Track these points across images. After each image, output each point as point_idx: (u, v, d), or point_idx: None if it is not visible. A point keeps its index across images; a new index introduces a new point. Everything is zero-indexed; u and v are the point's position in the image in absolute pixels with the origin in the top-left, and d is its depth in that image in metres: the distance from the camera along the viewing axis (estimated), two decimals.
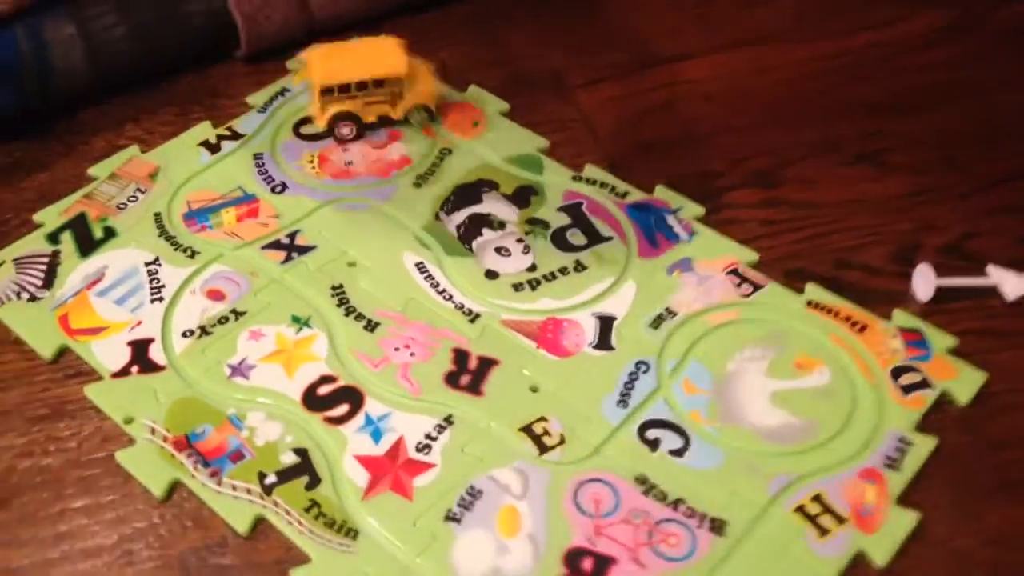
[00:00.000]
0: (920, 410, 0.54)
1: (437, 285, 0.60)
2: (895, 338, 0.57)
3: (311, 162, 0.68)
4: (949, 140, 0.70)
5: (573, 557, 0.47)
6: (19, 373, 0.55)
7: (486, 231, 0.64)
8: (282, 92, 0.74)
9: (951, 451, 0.52)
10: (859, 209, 0.66)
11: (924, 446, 0.52)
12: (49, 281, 0.60)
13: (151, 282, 0.60)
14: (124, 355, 0.56)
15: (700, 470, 0.51)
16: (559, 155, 0.69)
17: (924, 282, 0.60)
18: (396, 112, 0.68)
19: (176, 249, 0.62)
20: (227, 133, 0.70)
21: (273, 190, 0.66)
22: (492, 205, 0.65)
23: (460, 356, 0.56)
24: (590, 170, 0.68)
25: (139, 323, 0.57)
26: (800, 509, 0.49)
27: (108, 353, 0.56)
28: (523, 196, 0.66)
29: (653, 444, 0.52)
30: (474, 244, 0.63)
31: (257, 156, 0.68)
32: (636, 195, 0.66)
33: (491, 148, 0.69)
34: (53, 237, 0.62)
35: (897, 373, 0.55)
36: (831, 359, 0.56)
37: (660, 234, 0.63)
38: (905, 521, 0.49)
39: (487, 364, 0.56)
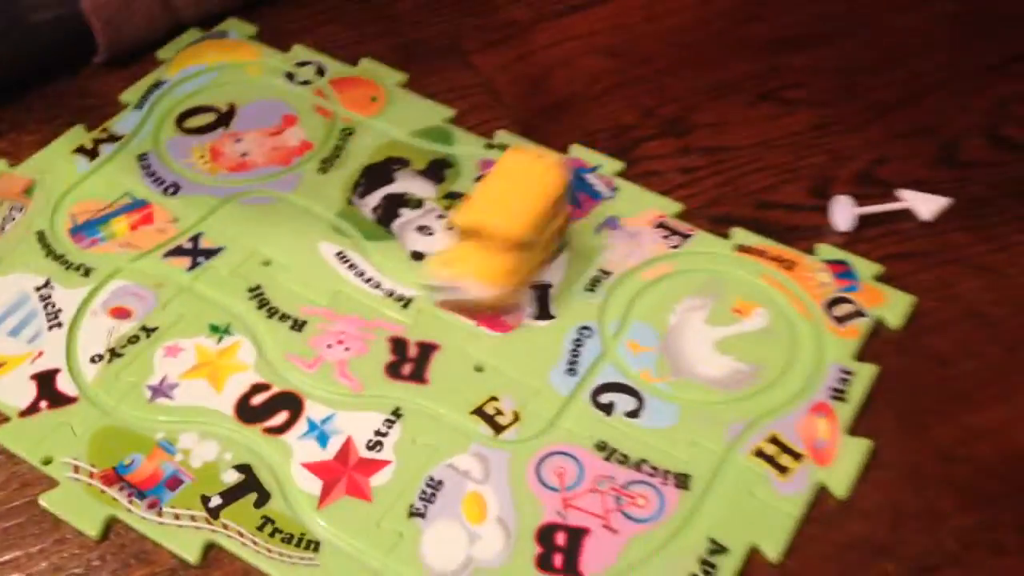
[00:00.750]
0: (857, 339, 0.54)
1: (362, 274, 0.57)
2: (823, 272, 0.58)
3: (202, 157, 0.64)
4: (846, 70, 0.71)
5: (546, 534, 0.46)
6: None
7: (404, 211, 0.61)
8: (157, 85, 0.69)
9: (892, 375, 0.53)
10: (769, 148, 0.66)
11: (866, 374, 0.52)
12: None
13: (45, 307, 0.55)
14: (29, 391, 0.51)
15: (658, 428, 0.50)
16: (467, 123, 0.67)
17: (842, 213, 0.61)
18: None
19: (68, 268, 0.57)
20: (103, 136, 0.65)
21: (166, 192, 0.62)
22: (406, 183, 0.63)
23: (398, 344, 0.54)
24: (502, 136, 0.66)
25: (40, 354, 0.53)
26: (759, 452, 0.49)
27: (10, 391, 0.51)
28: (437, 170, 0.64)
29: (607, 409, 0.51)
30: (394, 226, 0.60)
31: (142, 157, 0.64)
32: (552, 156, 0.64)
33: (395, 124, 0.66)
34: None
35: (830, 306, 0.56)
36: (766, 300, 0.56)
37: (582, 194, 0.62)
38: (858, 449, 0.49)
39: (428, 349, 0.54)
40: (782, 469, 0.48)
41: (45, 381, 0.52)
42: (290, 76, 0.70)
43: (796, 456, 0.49)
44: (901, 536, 0.47)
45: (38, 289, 0.56)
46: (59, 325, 0.54)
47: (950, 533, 0.47)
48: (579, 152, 0.65)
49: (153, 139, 0.65)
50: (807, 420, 0.50)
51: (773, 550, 0.46)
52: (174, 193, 0.62)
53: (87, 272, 0.57)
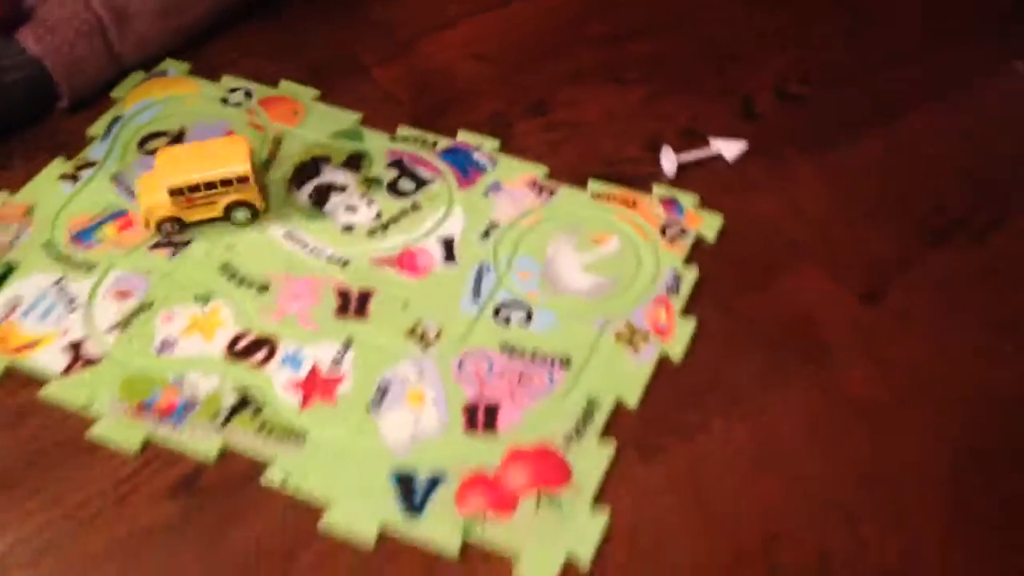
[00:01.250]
0: (684, 252, 0.73)
1: (307, 246, 0.74)
2: (658, 206, 0.77)
3: None
4: (669, 54, 0.90)
5: (469, 411, 0.64)
6: None
7: (333, 195, 0.78)
8: (116, 119, 0.84)
9: (708, 273, 0.72)
10: (613, 118, 0.85)
11: (691, 273, 0.72)
12: None
13: (63, 297, 0.70)
14: (65, 357, 0.67)
15: (544, 329, 0.68)
16: (373, 124, 0.84)
17: (668, 161, 0.80)
18: (216, 210, 0.73)
19: (75, 267, 0.72)
20: (81, 163, 0.80)
21: None
22: (330, 175, 0.80)
23: (343, 294, 0.71)
24: (402, 130, 0.83)
25: (66, 331, 0.68)
26: (618, 336, 0.68)
27: (50, 360, 0.67)
28: (354, 162, 0.81)
29: (507, 321, 0.69)
30: (326, 208, 0.77)
31: (115, 176, 0.79)
32: (444, 142, 0.82)
33: (315, 130, 0.83)
34: None
35: (664, 230, 0.75)
36: (617, 231, 0.75)
37: (471, 167, 0.80)
38: (688, 326, 0.68)
39: (365, 295, 0.71)
40: (635, 346, 0.67)
41: (76, 349, 0.67)
42: (224, 100, 0.86)
43: (645, 336, 0.68)
44: (719, 380, 0.66)
45: (55, 284, 0.71)
46: (77, 308, 0.69)
47: (752, 371, 0.66)
48: (464, 136, 0.83)
49: (121, 162, 0.81)
50: (652, 309, 0.69)
51: (631, 399, 0.64)
52: None
53: (90, 268, 0.72)
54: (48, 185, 0.78)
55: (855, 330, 0.68)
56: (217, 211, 0.74)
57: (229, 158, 0.72)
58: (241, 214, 0.74)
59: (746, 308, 0.70)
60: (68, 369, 0.66)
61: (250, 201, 0.74)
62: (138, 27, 0.83)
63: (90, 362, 0.66)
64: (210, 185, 0.71)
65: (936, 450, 0.62)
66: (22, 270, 0.72)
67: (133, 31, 0.83)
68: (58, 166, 0.80)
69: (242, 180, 0.72)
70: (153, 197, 0.72)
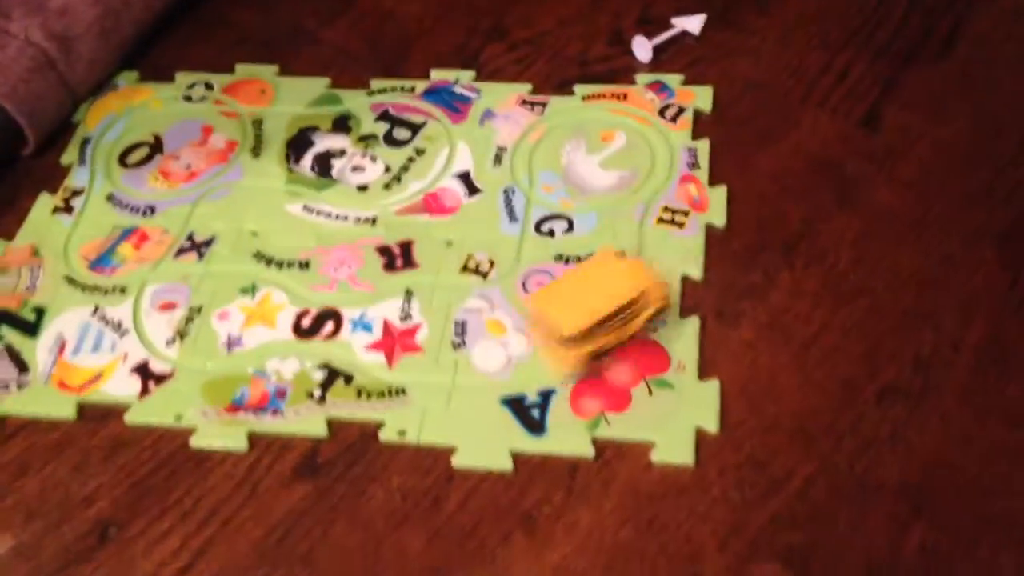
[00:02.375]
0: (688, 127, 0.76)
1: (330, 214, 0.74)
2: (647, 93, 0.79)
3: (157, 180, 0.78)
4: None
5: None
6: (61, 441, 0.64)
7: (334, 161, 0.78)
8: (86, 142, 0.82)
9: (719, 142, 0.75)
10: (570, 23, 0.86)
11: (703, 146, 0.75)
12: (23, 366, 0.67)
13: (107, 324, 0.69)
14: (135, 381, 0.66)
15: (589, 231, 0.71)
16: (343, 84, 0.84)
17: (643, 49, 0.82)
18: (634, 327, 0.62)
19: (106, 293, 0.71)
20: (68, 194, 0.78)
21: (145, 215, 0.76)
22: (324, 142, 0.79)
23: (384, 250, 0.71)
24: (376, 83, 0.83)
25: (125, 355, 0.67)
26: (660, 220, 0.70)
27: (121, 387, 0.66)
28: (342, 124, 0.80)
29: (550, 233, 0.71)
30: (333, 174, 0.77)
31: (110, 197, 0.77)
32: (421, 85, 0.82)
33: (290, 104, 0.82)
34: None
35: (662, 112, 0.77)
36: (620, 125, 0.77)
37: (457, 102, 0.80)
38: (720, 194, 0.72)
39: (406, 245, 0.71)
40: (680, 224, 0.70)
41: (143, 370, 0.66)
42: (188, 98, 0.84)
43: (684, 213, 0.70)
44: (765, 233, 0.69)
45: (92, 315, 0.70)
46: (127, 332, 0.68)
47: (794, 219, 0.70)
48: (437, 74, 0.83)
49: (110, 182, 0.78)
50: (681, 189, 0.72)
51: (696, 272, 0.67)
52: (152, 213, 0.76)
53: (123, 290, 0.71)
54: (44, 221, 0.76)
55: (869, 156, 0.73)
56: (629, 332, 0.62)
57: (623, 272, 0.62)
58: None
59: (766, 164, 0.73)
60: (144, 391, 0.65)
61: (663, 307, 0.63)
62: (83, 51, 0.80)
63: (162, 378, 0.66)
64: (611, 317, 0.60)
65: (975, 238, 0.67)
66: (53, 310, 0.70)
67: (79, 57, 0.80)
68: (46, 201, 0.77)
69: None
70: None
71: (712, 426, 0.60)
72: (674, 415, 0.60)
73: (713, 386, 0.61)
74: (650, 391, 0.61)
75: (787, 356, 0.63)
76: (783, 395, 0.61)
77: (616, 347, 0.62)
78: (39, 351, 0.68)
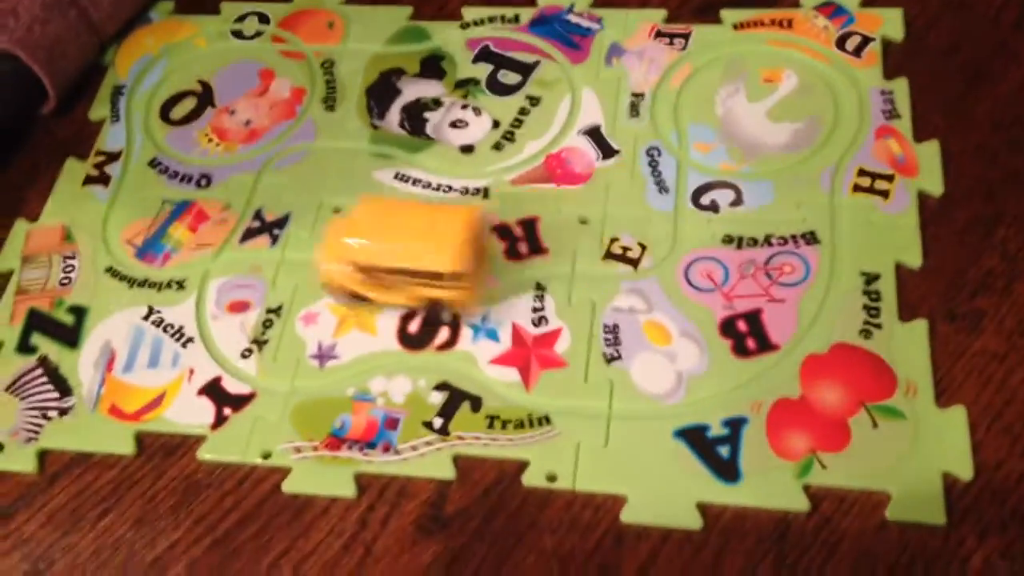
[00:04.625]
0: (877, 63, 0.60)
1: (429, 184, 0.59)
2: (818, 18, 0.63)
3: (211, 140, 0.64)
4: None
5: (727, 327, 0.52)
6: (119, 484, 0.51)
7: (428, 114, 0.63)
8: (118, 91, 0.67)
9: (918, 78, 0.59)
10: None
11: (902, 87, 0.59)
12: (64, 388, 0.54)
13: (166, 330, 0.55)
14: (206, 406, 0.52)
15: (764, 205, 0.56)
16: (429, 15, 0.68)
17: None
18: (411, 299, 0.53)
19: (160, 289, 0.57)
20: (102, 159, 0.63)
21: (199, 185, 0.61)
22: (413, 89, 0.64)
23: (503, 230, 0.57)
24: (469, 12, 0.67)
25: (191, 371, 0.54)
26: (856, 187, 0.55)
27: (188, 413, 0.52)
28: (433, 66, 0.65)
29: (713, 207, 0.56)
30: (427, 131, 0.62)
31: (153, 163, 0.63)
32: (525, 13, 0.66)
33: (365, 40, 0.67)
34: (24, 347, 0.56)
35: (840, 43, 0.61)
36: (787, 61, 0.61)
37: (574, 35, 0.65)
38: (932, 151, 0.56)
39: (529, 224, 0.57)
40: (884, 194, 0.55)
41: (214, 391, 0.53)
42: (237, 34, 0.69)
43: (888, 178, 0.55)
44: (1000, 201, 0.54)
45: (146, 318, 0.56)
46: (190, 340, 0.55)
47: None
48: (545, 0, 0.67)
49: (152, 143, 0.64)
50: (878, 145, 0.57)
51: (914, 259, 0.52)
52: (208, 184, 0.61)
53: (180, 285, 0.57)
54: (75, 196, 0.62)
55: None
56: (412, 301, 0.53)
57: (445, 241, 0.50)
58: (445, 315, 0.54)
59: (984, 110, 0.58)
60: (218, 419, 0.52)
61: (458, 305, 0.53)
62: None
63: (241, 402, 0.52)
64: (413, 274, 0.51)
65: None
66: (95, 312, 0.57)
67: None
68: (73, 169, 0.63)
69: (455, 277, 0.51)
70: (337, 255, 0.52)
71: (964, 471, 0.46)
72: (911, 455, 0.46)
73: (958, 415, 0.47)
74: (874, 422, 0.47)
75: None
76: None
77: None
78: (82, 366, 0.54)
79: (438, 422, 0.50)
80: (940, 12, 0.62)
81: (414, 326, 0.54)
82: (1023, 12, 0.62)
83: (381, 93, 0.64)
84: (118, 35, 0.69)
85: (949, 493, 0.45)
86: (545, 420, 0.50)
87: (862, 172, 0.56)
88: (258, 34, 0.68)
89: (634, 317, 0.52)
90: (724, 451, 0.48)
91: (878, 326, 0.50)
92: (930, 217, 0.54)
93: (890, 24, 0.62)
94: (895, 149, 0.56)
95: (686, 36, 0.63)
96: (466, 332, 0.53)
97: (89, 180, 0.62)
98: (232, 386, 0.53)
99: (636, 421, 0.49)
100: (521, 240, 0.56)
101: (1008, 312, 0.50)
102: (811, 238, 0.54)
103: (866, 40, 0.61)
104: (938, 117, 0.58)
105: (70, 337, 0.56)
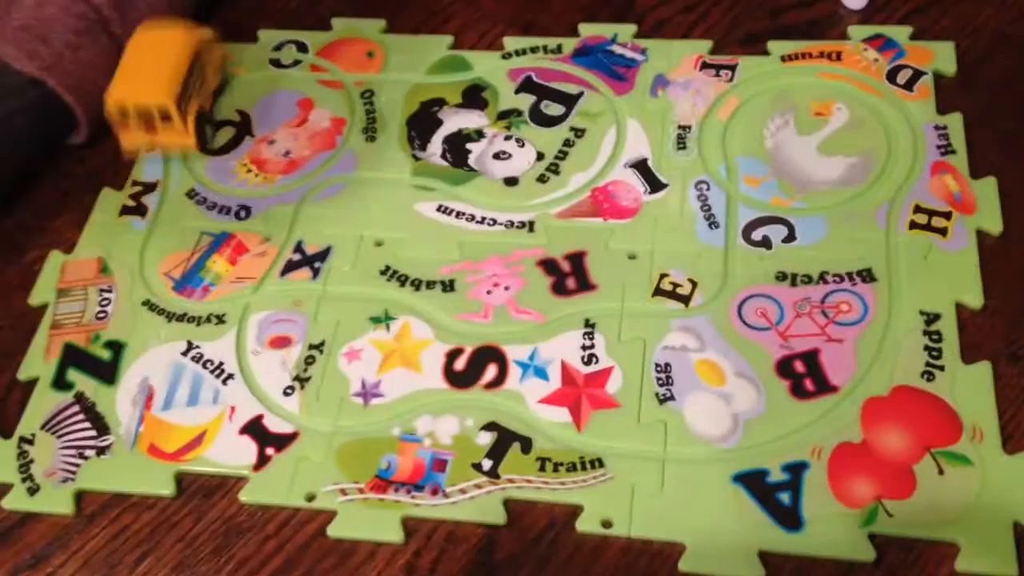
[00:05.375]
0: (930, 97, 0.59)
1: (473, 217, 0.58)
2: (867, 51, 0.62)
3: (250, 171, 0.63)
4: None
5: (784, 367, 0.50)
6: (157, 526, 0.50)
7: (470, 145, 0.62)
8: None
9: (975, 111, 0.58)
10: None
11: (956, 122, 0.58)
12: (102, 426, 0.53)
13: (205, 367, 0.54)
14: (247, 445, 0.51)
15: (818, 241, 0.54)
16: (469, 44, 0.67)
17: None
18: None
19: (199, 324, 0.56)
20: (139, 189, 0.62)
21: (239, 217, 0.60)
22: (455, 120, 0.63)
23: (549, 265, 0.56)
24: (510, 42, 0.66)
25: (233, 409, 0.52)
26: (913, 224, 0.54)
27: (230, 452, 0.51)
28: (475, 97, 0.64)
29: (766, 243, 0.55)
30: (471, 162, 0.61)
31: (191, 194, 0.62)
32: (568, 43, 0.66)
33: (406, 70, 0.66)
34: (60, 384, 0.55)
35: (891, 77, 0.60)
36: (837, 94, 0.60)
37: (618, 66, 0.64)
38: (990, 187, 0.55)
39: (577, 258, 0.56)
40: (942, 231, 0.53)
41: (256, 430, 0.51)
42: (276, 63, 0.68)
43: (945, 215, 0.54)
44: None
45: (184, 354, 0.55)
46: (231, 377, 0.53)
47: None
48: (589, 30, 0.66)
49: (189, 172, 0.63)
50: (935, 181, 0.55)
51: (975, 298, 0.51)
52: (247, 216, 0.60)
53: (220, 319, 0.56)
54: (111, 226, 0.61)
55: None
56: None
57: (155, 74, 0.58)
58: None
59: None
60: (261, 459, 0.50)
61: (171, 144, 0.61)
62: (142, 6, 0.64)
63: (284, 441, 0.51)
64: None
65: None
66: (133, 347, 0.55)
67: (138, 13, 0.63)
68: (109, 200, 0.62)
69: (165, 118, 0.58)
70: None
71: None
72: (979, 504, 0.45)
73: None
74: (940, 469, 0.46)
75: None
76: None
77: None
78: (120, 403, 0.53)
79: (487, 464, 0.49)
80: (992, 46, 0.61)
81: (461, 363, 0.53)
82: None
83: (422, 124, 0.63)
84: None
85: (1020, 543, 0.44)
86: (598, 463, 0.48)
87: (919, 209, 0.54)
88: (296, 63, 0.67)
89: (686, 356, 0.51)
90: (785, 497, 0.46)
91: (940, 368, 0.49)
92: (989, 256, 0.52)
93: (942, 58, 0.60)
94: (952, 186, 0.55)
95: (732, 68, 0.62)
96: (514, 370, 0.52)
97: (125, 211, 0.61)
98: (275, 425, 0.51)
99: (692, 465, 0.48)
100: (569, 275, 0.55)
101: None
102: (868, 276, 0.53)
103: (918, 74, 0.60)
104: (994, 153, 0.56)
105: (107, 373, 0.54)
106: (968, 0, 0.64)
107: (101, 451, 0.52)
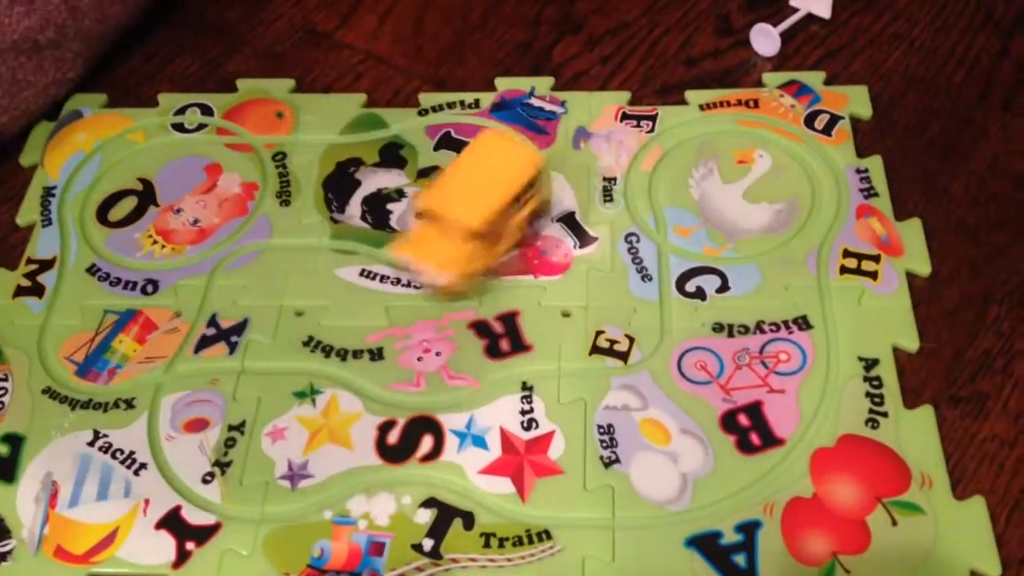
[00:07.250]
0: (848, 140, 0.59)
1: (398, 280, 0.56)
2: (783, 97, 0.62)
3: (155, 243, 0.59)
4: None
5: (729, 422, 0.49)
6: None
7: (391, 205, 0.59)
8: (49, 192, 0.62)
9: (894, 153, 0.59)
10: (661, 9, 0.69)
11: (876, 165, 0.58)
12: (2, 530, 0.48)
13: (115, 456, 0.50)
14: (166, 540, 0.47)
15: (752, 290, 0.54)
16: (383, 101, 0.65)
17: (764, 39, 0.65)
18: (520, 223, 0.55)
19: (105, 410, 0.52)
20: (34, 268, 0.58)
21: (145, 292, 0.57)
22: (374, 180, 0.61)
23: (481, 327, 0.53)
24: (426, 99, 0.65)
25: (147, 502, 0.48)
26: (844, 269, 0.54)
27: (146, 550, 0.47)
28: (393, 155, 0.62)
29: (700, 294, 0.54)
30: (392, 223, 0.59)
31: (91, 270, 0.58)
32: (485, 98, 0.64)
33: (318, 130, 0.64)
34: None
35: (809, 122, 0.60)
36: (759, 141, 0.60)
37: (538, 120, 0.63)
38: (915, 229, 0.55)
39: (510, 319, 0.54)
40: (872, 275, 0.53)
41: (174, 523, 0.47)
42: (179, 127, 0.65)
43: (874, 259, 0.54)
44: (989, 279, 0.53)
45: (91, 444, 0.50)
46: (144, 466, 0.49)
47: (1017, 259, 0.54)
48: (505, 84, 0.65)
49: (88, 248, 0.59)
50: (861, 225, 0.55)
51: (910, 341, 0.51)
52: (155, 290, 0.57)
53: (129, 404, 0.52)
54: (5, 310, 0.56)
55: None
56: (519, 232, 0.55)
57: (510, 156, 0.54)
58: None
59: (959, 187, 0.57)
60: (180, 556, 0.47)
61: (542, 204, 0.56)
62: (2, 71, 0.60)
63: (205, 534, 0.47)
64: (517, 198, 0.53)
65: None
66: (33, 440, 0.51)
67: None
68: (4, 279, 0.58)
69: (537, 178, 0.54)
70: (446, 253, 0.52)
71: (992, 567, 0.44)
72: (935, 553, 0.44)
73: (977, 507, 0.45)
74: (893, 520, 0.45)
75: None
76: None
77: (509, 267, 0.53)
78: (21, 503, 0.49)
79: (428, 544, 0.46)
80: (904, 88, 0.62)
81: (394, 436, 0.50)
82: (985, 87, 0.62)
83: (339, 185, 0.61)
84: (19, 128, 0.64)
85: None
86: (545, 535, 0.46)
87: (847, 253, 0.54)
88: (201, 127, 0.64)
89: (629, 415, 0.49)
90: (741, 560, 0.45)
91: (884, 414, 0.48)
92: (920, 297, 0.52)
93: (856, 101, 0.61)
94: (878, 229, 0.55)
95: (653, 118, 0.62)
96: (451, 440, 0.49)
97: (20, 291, 0.57)
98: (194, 516, 0.48)
99: (643, 531, 0.46)
100: (502, 337, 0.53)
101: (1011, 393, 0.49)
102: (803, 323, 0.52)
103: (835, 118, 0.60)
104: (915, 194, 0.57)
105: (5, 471, 0.50)
106: (876, 45, 0.65)
107: (2, 558, 0.47)
